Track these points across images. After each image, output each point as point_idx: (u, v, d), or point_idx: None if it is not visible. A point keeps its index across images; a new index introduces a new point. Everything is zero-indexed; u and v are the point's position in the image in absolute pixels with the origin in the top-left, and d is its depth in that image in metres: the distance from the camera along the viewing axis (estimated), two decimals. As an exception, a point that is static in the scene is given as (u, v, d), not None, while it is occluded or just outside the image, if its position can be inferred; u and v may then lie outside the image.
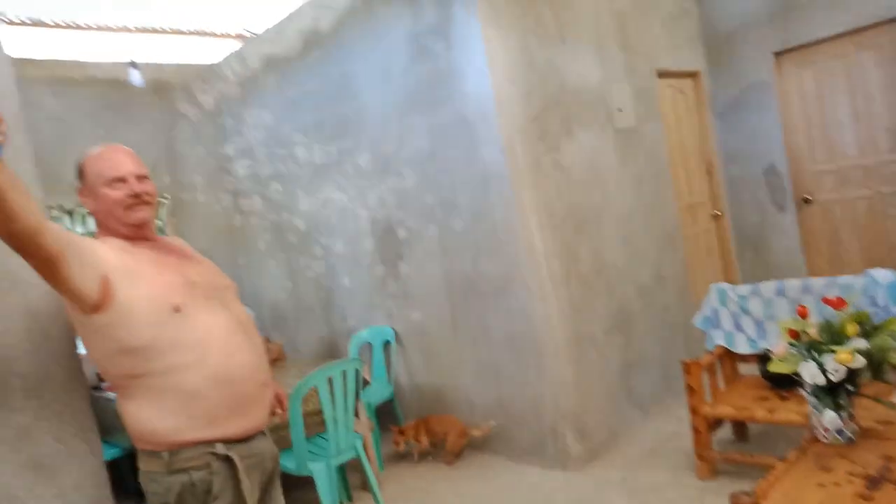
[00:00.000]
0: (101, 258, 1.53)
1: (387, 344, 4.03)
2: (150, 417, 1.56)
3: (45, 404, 1.95)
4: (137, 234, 1.71)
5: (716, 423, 2.96)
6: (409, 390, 4.03)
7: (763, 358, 2.83)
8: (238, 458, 1.58)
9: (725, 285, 3.15)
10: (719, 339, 3.08)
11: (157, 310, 1.54)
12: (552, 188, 3.37)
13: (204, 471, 1.55)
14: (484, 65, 3.14)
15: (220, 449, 1.57)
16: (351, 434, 3.03)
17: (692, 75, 4.67)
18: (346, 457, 3.03)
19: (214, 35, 4.48)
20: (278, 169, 4.54)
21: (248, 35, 4.60)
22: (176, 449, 1.55)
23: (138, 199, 1.68)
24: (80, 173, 1.72)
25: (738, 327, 3.06)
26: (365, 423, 3.25)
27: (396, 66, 3.57)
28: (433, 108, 3.45)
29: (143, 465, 1.62)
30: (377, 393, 3.87)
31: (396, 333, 4.01)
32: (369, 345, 4.08)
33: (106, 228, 1.70)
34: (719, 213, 4.74)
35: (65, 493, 1.96)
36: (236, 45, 4.69)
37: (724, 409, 2.78)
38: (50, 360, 1.97)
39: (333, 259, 4.33)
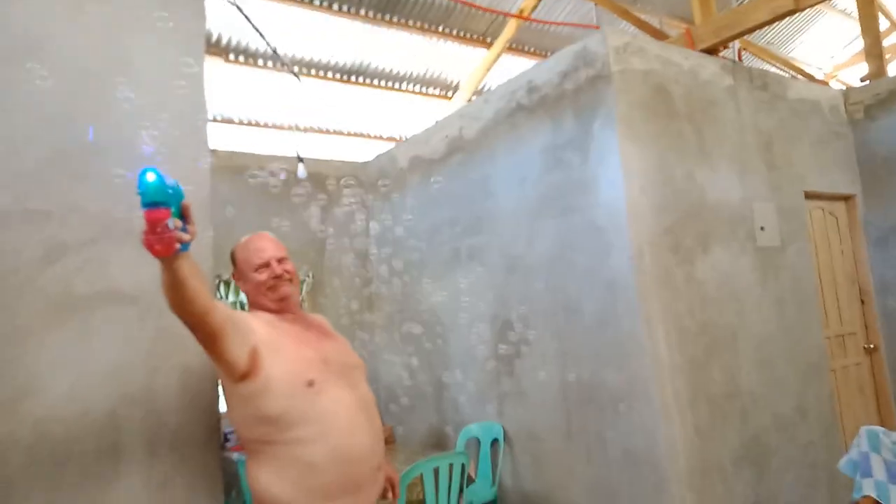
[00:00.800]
0: (252, 331, 1.72)
1: (495, 442, 3.97)
2: (272, 484, 1.66)
3: (185, 458, 2.14)
4: (283, 308, 1.92)
5: (863, 588, 2.58)
6: (513, 494, 3.89)
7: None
8: None
9: (878, 429, 2.82)
10: (869, 490, 2.73)
11: (293, 383, 1.68)
12: (683, 302, 3.28)
13: None
14: (619, 177, 3.20)
15: None
16: (453, 532, 2.98)
17: (846, 199, 4.42)
18: (446, 556, 2.96)
19: (369, 137, 4.94)
20: (410, 260, 4.79)
21: (398, 138, 5.03)
22: None
23: (280, 279, 1.91)
24: (233, 260, 2.00)
25: (893, 479, 2.70)
26: (468, 524, 3.18)
27: (532, 174, 3.73)
28: (564, 215, 3.53)
29: None
30: (480, 493, 3.78)
31: (506, 432, 3.95)
32: (477, 440, 4.04)
33: (256, 304, 1.94)
34: (873, 347, 4.31)
35: (189, 544, 2.10)
36: (388, 147, 5.14)
37: (874, 575, 2.42)
38: (196, 418, 2.17)
39: (451, 350, 4.42)
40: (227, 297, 4.52)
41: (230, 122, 4.40)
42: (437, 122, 4.55)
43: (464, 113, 4.31)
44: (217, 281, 4.51)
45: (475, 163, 4.17)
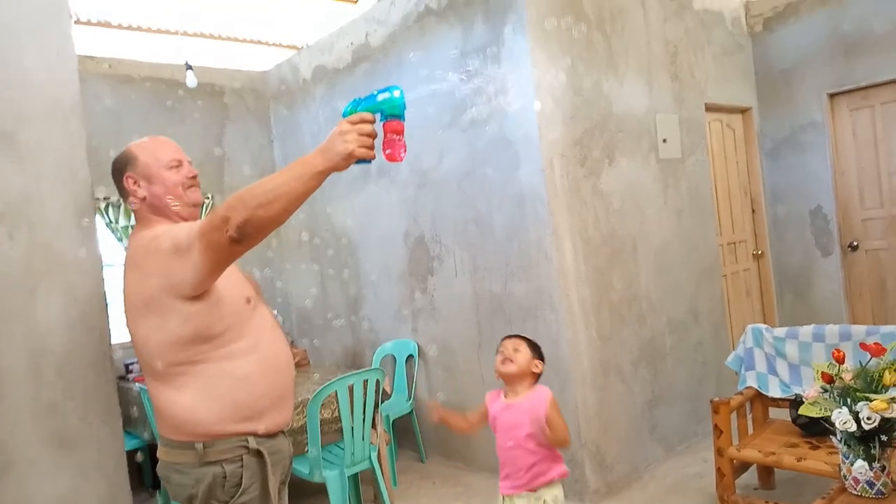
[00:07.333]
0: None
1: (410, 358, 4.02)
2: (196, 405, 1.52)
3: (74, 384, 2.01)
4: (193, 217, 1.70)
5: (741, 466, 2.85)
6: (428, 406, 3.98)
7: (795, 403, 2.72)
8: (266, 453, 1.58)
9: (762, 326, 3.05)
10: (751, 381, 2.98)
11: (237, 300, 1.59)
12: (589, 214, 3.34)
13: (236, 464, 1.54)
14: (530, 86, 3.15)
15: (252, 443, 1.56)
16: (367, 445, 3.02)
17: (742, 111, 4.59)
18: (361, 467, 3.01)
19: (267, 44, 4.60)
20: (319, 177, 4.60)
21: (299, 46, 4.72)
22: (211, 440, 1.53)
23: (194, 181, 1.70)
24: (130, 161, 1.67)
25: (772, 370, 2.96)
26: (382, 436, 3.24)
27: (442, 83, 3.60)
28: (475, 127, 3.47)
29: (172, 457, 1.57)
30: (397, 406, 3.85)
31: (420, 348, 4.00)
32: (393, 357, 4.07)
33: (162, 213, 1.66)
34: (761, 253, 4.63)
35: (85, 470, 2.00)
36: (288, 55, 4.82)
37: (751, 453, 2.68)
38: (83, 342, 2.03)
39: (364, 269, 4.36)
40: (116, 221, 4.19)
41: (108, 25, 3.95)
42: (341, 28, 4.29)
43: (369, 17, 4.07)
44: (105, 204, 4.16)
45: (383, 73, 3.98)
